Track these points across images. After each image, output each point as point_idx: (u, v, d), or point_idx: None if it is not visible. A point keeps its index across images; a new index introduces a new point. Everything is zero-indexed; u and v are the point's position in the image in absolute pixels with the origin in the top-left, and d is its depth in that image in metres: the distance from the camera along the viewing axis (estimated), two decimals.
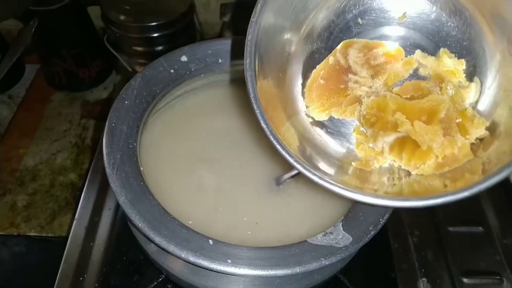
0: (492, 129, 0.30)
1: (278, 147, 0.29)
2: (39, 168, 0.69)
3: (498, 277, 0.50)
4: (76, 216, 0.51)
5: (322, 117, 0.34)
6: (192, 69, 0.45)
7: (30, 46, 0.72)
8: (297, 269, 0.32)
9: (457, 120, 0.30)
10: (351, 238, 0.34)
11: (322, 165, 0.32)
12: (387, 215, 0.36)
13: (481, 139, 0.30)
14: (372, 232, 0.35)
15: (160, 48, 0.71)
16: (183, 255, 0.32)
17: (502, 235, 0.54)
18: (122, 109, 0.39)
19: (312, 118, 0.35)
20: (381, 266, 0.50)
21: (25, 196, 0.65)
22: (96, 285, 0.46)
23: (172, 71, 0.44)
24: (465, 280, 0.50)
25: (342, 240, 0.34)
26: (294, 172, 0.41)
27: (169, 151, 0.44)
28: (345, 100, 0.33)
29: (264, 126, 0.29)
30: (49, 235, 0.61)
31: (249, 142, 0.45)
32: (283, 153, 0.29)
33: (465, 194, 0.26)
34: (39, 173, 0.68)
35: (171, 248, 0.32)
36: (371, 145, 0.33)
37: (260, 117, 0.29)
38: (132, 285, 0.46)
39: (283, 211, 0.41)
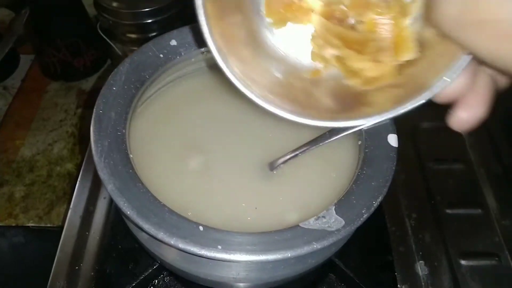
0: (423, 46, 0.30)
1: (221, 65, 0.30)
2: (36, 158, 0.69)
3: (496, 258, 0.50)
4: (71, 206, 0.51)
5: (280, 27, 0.35)
6: (182, 54, 0.44)
7: (24, 36, 0.71)
8: (288, 254, 0.32)
9: (390, 43, 0.31)
10: (344, 222, 0.34)
11: (278, 78, 0.34)
12: (380, 198, 0.35)
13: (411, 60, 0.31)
14: (365, 215, 0.34)
15: (153, 34, 0.70)
16: (172, 242, 0.31)
17: (501, 216, 0.53)
18: (110, 95, 0.39)
19: (271, 30, 0.35)
20: (378, 250, 0.49)
21: (22, 187, 0.65)
22: (92, 273, 0.46)
23: (161, 55, 0.43)
24: (463, 262, 0.49)
25: (335, 223, 0.34)
26: (288, 156, 0.41)
27: (160, 138, 0.43)
28: (299, 13, 0.34)
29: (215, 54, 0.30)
30: (48, 225, 0.61)
31: (241, 128, 0.45)
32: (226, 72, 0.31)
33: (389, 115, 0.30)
34: (36, 163, 0.68)
35: (160, 235, 0.31)
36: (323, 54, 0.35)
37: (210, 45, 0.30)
38: (127, 273, 0.46)
39: (280, 196, 0.40)
